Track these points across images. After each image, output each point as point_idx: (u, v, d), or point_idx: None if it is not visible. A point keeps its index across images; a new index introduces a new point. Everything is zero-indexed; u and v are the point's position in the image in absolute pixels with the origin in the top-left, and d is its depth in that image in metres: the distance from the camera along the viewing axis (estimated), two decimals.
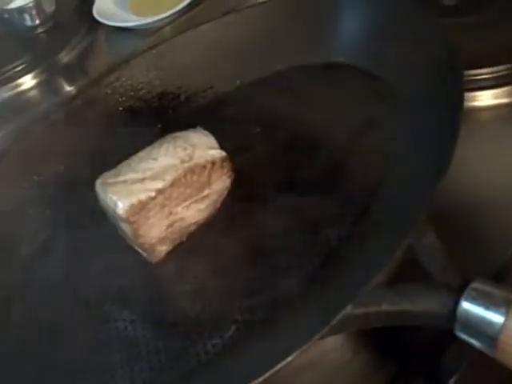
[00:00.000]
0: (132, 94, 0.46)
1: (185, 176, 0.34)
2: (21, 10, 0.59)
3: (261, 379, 0.26)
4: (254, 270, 0.34)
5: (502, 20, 0.51)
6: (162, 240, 0.35)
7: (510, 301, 0.25)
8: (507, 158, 0.42)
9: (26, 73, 0.60)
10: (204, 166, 0.34)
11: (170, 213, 0.34)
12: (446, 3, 0.54)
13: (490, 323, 0.26)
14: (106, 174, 0.34)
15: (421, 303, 0.27)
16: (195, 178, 0.34)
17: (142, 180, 0.33)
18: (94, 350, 0.33)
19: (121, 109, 0.45)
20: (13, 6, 0.61)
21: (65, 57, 0.61)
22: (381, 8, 0.43)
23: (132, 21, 0.62)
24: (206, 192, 0.35)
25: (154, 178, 0.33)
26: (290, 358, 0.26)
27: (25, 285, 0.38)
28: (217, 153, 0.35)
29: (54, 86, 0.60)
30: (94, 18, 0.62)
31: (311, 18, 0.45)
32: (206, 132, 0.36)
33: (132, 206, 0.32)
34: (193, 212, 0.35)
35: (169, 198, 0.33)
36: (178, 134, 0.36)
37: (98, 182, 0.34)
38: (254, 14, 0.47)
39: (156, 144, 0.35)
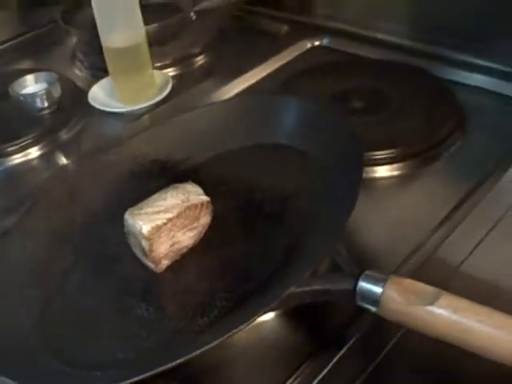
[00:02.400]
0: (132, 160, 0.64)
1: (185, 211, 0.51)
2: (34, 95, 0.76)
3: (239, 330, 0.43)
4: (228, 276, 0.52)
5: (393, 118, 0.73)
6: (165, 255, 0.52)
7: (385, 279, 0.44)
8: (396, 212, 0.62)
9: (33, 145, 0.75)
10: (196, 206, 0.52)
11: (173, 236, 0.51)
12: (356, 106, 0.76)
13: (374, 293, 0.44)
14: (132, 208, 0.51)
15: (336, 284, 0.46)
16: (191, 213, 0.52)
17: (158, 212, 0.50)
18: (120, 326, 0.49)
19: (125, 170, 0.62)
20: (27, 91, 0.78)
21: (65, 134, 0.77)
22: (308, 110, 0.64)
23: (119, 107, 0.80)
24: (196, 224, 0.53)
25: (165, 211, 0.50)
26: (255, 318, 0.43)
27: (60, 290, 0.54)
28: (204, 198, 0.53)
29: (54, 157, 0.75)
30: (89, 103, 0.81)
31: (261, 112, 0.64)
32: (195, 184, 0.54)
33: (152, 228, 0.49)
34: (186, 238, 0.53)
35: (174, 225, 0.51)
36: (177, 184, 0.54)
37: (127, 213, 0.51)
38: (220, 108, 0.66)
39: (163, 191, 0.53)
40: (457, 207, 0.61)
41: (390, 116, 0.73)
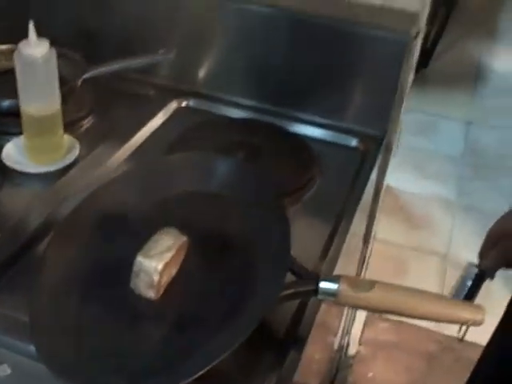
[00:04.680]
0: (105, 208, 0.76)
1: (179, 249, 0.67)
2: None
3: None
4: (211, 293, 0.68)
5: (268, 167, 0.95)
6: (163, 285, 0.67)
7: (339, 278, 0.66)
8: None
9: None
10: (183, 244, 0.68)
11: (170, 269, 0.67)
12: (239, 157, 0.96)
13: (333, 288, 0.66)
14: (141, 252, 0.65)
15: (304, 287, 0.66)
16: (180, 250, 0.68)
17: (162, 252, 0.65)
18: (141, 345, 0.63)
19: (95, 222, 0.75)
20: None
21: None
22: (233, 166, 0.82)
23: (37, 168, 0.90)
24: (179, 258, 0.69)
25: (167, 250, 0.66)
26: (261, 317, 0.62)
27: (80, 321, 0.65)
28: (185, 237, 0.69)
29: None
30: (4, 164, 0.89)
31: (194, 167, 0.82)
32: (174, 228, 0.70)
33: (164, 265, 0.64)
34: (173, 270, 0.69)
35: (172, 261, 0.66)
36: (163, 230, 0.69)
37: (140, 256, 0.65)
38: (161, 163, 0.82)
39: (156, 235, 0.68)
40: (333, 231, 0.86)
41: (265, 165, 0.96)
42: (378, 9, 1.02)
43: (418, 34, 1.04)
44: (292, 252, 0.75)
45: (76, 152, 0.93)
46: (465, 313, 0.63)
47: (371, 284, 0.66)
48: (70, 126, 0.99)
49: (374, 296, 0.65)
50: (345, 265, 0.92)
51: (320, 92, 1.09)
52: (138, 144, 1.00)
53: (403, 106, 1.11)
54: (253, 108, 1.10)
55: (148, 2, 1.09)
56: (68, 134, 0.96)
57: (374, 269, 1.42)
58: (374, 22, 1.00)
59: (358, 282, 0.66)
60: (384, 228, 1.55)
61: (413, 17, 1.01)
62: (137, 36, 1.11)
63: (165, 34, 1.10)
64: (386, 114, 1.08)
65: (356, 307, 0.66)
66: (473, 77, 2.80)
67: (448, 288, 1.21)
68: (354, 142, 1.07)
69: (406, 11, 1.01)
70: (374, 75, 1.04)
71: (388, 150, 1.14)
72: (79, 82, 1.02)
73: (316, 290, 0.66)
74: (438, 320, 0.64)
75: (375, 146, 1.06)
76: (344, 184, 0.96)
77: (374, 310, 0.66)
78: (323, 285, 0.66)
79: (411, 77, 1.10)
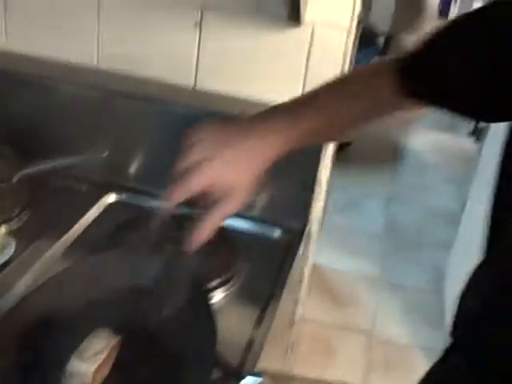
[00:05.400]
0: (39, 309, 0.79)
1: (111, 350, 0.72)
2: None
3: None
4: None
5: (195, 260, 1.01)
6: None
7: (261, 373, 0.72)
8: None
9: None
10: (115, 345, 0.73)
11: (103, 369, 0.71)
12: (169, 252, 1.02)
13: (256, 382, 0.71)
14: (75, 354, 0.69)
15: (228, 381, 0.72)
16: (112, 351, 0.72)
17: (96, 354, 0.69)
18: None
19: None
20: None
21: None
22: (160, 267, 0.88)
23: None
24: (112, 358, 0.73)
25: (100, 352, 0.70)
26: None
27: None
28: (117, 338, 0.74)
29: None
30: None
31: (124, 264, 0.87)
32: (106, 329, 0.75)
33: (97, 367, 0.69)
34: (106, 369, 0.73)
35: (104, 362, 0.71)
36: (99, 330, 0.73)
37: (75, 358, 0.69)
38: (93, 262, 0.87)
39: (91, 336, 0.72)
40: (259, 321, 0.92)
41: (193, 260, 1.01)
42: None
43: None
44: (219, 345, 0.81)
45: (11, 250, 0.96)
46: None
47: (290, 379, 0.72)
48: (5, 223, 1.02)
49: None
50: (273, 349, 0.98)
51: None
52: (72, 239, 1.04)
53: (324, 195, 1.20)
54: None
55: (78, 105, 1.16)
56: (3, 231, 1.00)
57: (304, 349, 1.47)
58: None
59: (279, 377, 0.72)
60: (312, 307, 1.61)
61: None
62: (69, 136, 1.17)
63: (95, 135, 1.17)
64: (307, 205, 1.17)
65: None
66: (392, 156, 2.98)
67: (374, 365, 1.28)
68: (276, 233, 1.14)
69: None
70: (295, 172, 1.13)
71: (310, 239, 1.22)
72: (14, 180, 1.06)
73: None
74: None
75: (298, 235, 1.14)
76: (268, 274, 1.03)
77: None
78: (247, 380, 0.72)
79: (329, 169, 1.20)
